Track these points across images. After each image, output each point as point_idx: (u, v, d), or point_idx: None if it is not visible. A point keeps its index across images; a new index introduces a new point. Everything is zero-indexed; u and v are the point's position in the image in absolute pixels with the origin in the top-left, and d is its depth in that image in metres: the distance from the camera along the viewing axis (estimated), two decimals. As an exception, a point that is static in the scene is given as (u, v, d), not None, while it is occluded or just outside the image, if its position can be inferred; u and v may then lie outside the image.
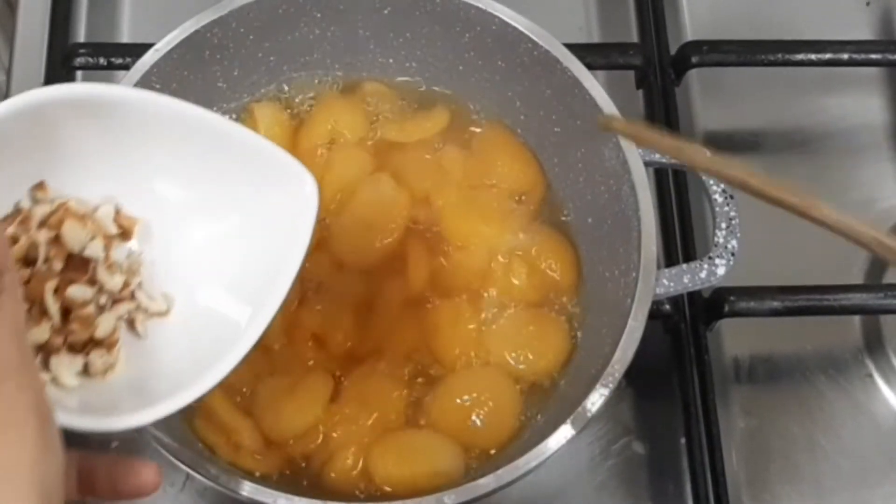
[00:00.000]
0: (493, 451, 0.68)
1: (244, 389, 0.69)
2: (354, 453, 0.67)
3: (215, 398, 0.68)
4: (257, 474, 0.66)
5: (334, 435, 0.68)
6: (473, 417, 0.68)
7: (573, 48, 0.71)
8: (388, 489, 0.66)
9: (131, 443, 0.72)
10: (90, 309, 0.52)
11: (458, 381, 0.70)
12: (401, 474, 0.66)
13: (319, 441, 0.68)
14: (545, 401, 0.70)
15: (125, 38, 0.90)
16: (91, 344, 0.52)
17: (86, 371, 0.52)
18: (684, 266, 0.67)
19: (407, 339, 0.71)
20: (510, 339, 0.71)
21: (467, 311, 0.72)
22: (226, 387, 0.68)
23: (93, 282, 0.53)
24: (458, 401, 0.68)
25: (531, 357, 0.70)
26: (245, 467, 0.66)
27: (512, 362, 0.70)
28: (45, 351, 0.50)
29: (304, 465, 0.68)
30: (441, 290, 0.73)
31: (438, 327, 0.71)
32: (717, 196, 0.68)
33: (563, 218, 0.76)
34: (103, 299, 0.53)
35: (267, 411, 0.68)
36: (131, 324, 0.54)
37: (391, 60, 0.78)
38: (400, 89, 0.79)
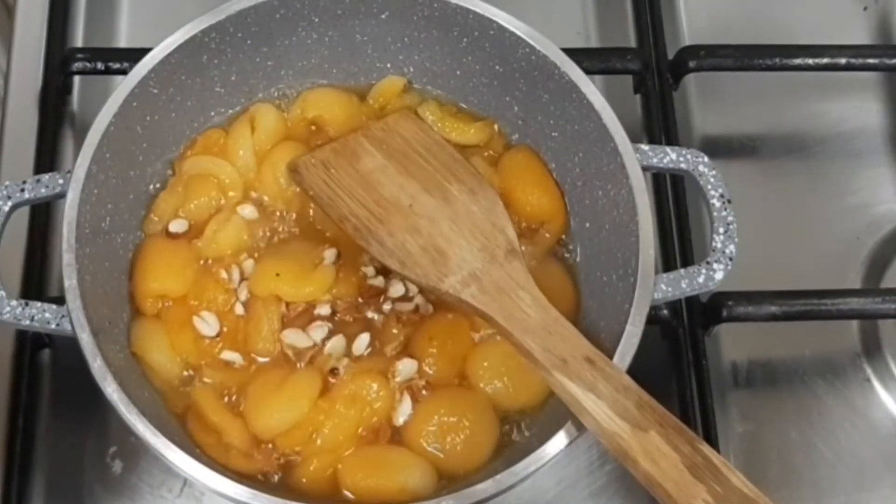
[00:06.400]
0: (464, 476, 0.66)
1: (233, 389, 0.69)
2: (328, 459, 0.67)
3: (205, 398, 0.68)
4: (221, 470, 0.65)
5: (315, 438, 0.67)
6: (449, 440, 0.67)
7: (571, 53, 0.71)
8: (351, 498, 0.66)
9: (133, 453, 0.73)
10: None
11: (439, 402, 0.68)
12: (367, 486, 0.65)
13: (305, 440, 0.67)
14: (514, 445, 0.68)
15: (123, 42, 0.89)
16: None
17: None
18: (682, 271, 0.67)
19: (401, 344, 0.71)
20: (495, 369, 0.69)
21: (460, 327, 0.71)
22: (215, 387, 0.69)
23: None
24: (436, 421, 0.67)
25: (512, 392, 0.69)
26: (235, 468, 0.66)
27: (494, 392, 0.69)
28: None
29: (284, 465, 0.67)
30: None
31: (433, 337, 0.70)
32: (714, 201, 0.68)
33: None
34: None
35: (255, 407, 0.68)
36: None
37: (389, 65, 0.78)
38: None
